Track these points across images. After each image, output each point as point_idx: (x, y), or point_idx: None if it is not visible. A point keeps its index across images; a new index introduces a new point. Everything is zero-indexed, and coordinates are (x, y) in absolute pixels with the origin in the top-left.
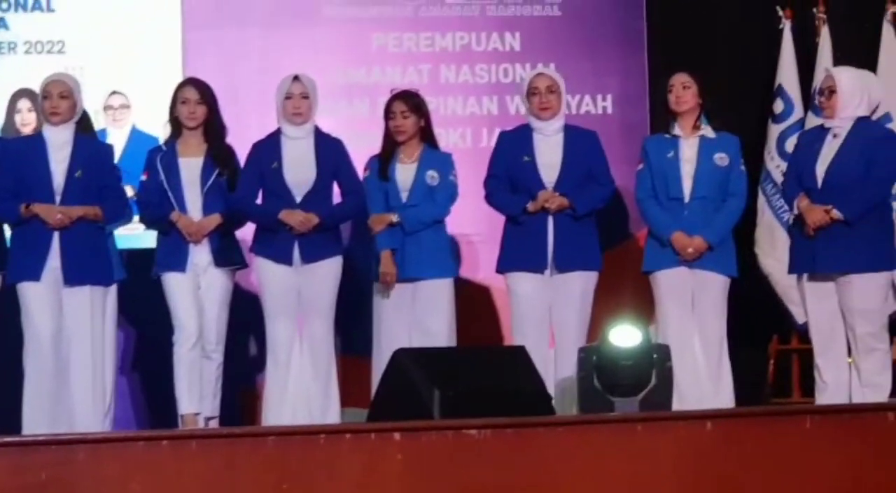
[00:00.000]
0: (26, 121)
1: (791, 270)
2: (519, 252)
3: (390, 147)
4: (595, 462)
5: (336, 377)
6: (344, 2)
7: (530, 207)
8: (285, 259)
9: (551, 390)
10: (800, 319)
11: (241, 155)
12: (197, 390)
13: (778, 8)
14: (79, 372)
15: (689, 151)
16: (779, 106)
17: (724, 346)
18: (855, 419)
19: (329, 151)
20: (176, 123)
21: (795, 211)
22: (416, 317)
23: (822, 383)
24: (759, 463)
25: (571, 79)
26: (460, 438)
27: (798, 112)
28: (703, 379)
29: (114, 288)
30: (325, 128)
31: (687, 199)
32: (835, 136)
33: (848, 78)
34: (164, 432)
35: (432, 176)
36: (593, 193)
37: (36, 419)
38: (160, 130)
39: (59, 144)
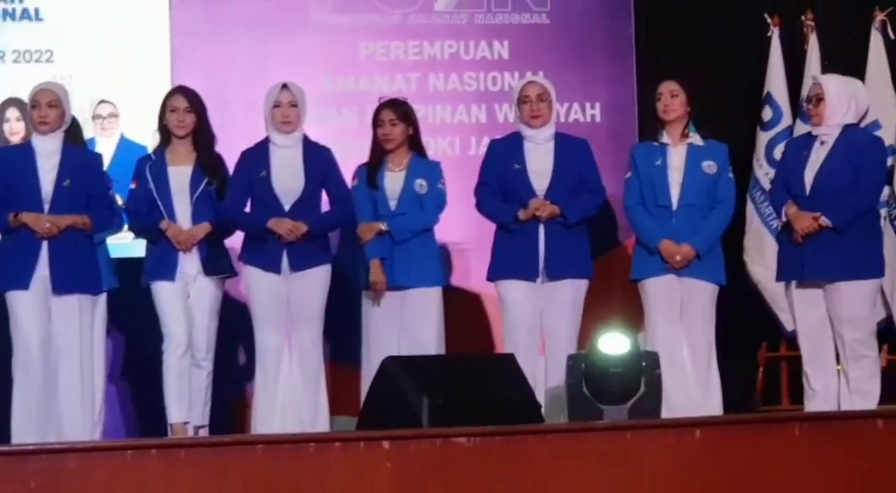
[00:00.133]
0: (15, 130)
1: (779, 277)
2: (510, 260)
3: (378, 155)
4: (584, 470)
5: (325, 386)
6: (332, 10)
7: (521, 215)
8: (274, 267)
9: (542, 397)
10: (788, 326)
11: (230, 163)
12: (186, 399)
13: (766, 16)
14: (67, 381)
15: (677, 159)
16: (767, 113)
17: (712, 353)
18: (844, 427)
19: (317, 159)
20: (165, 132)
21: (783, 218)
22: (405, 325)
23: (810, 390)
24: (748, 471)
25: (560, 87)
26: (449, 446)
27: (786, 119)
28: (692, 387)
29: (103, 297)
30: (314, 136)
31: (675, 207)
32: (822, 143)
33: (835, 86)
34: (152, 441)
35: (421, 184)
36: (584, 201)
37: (25, 428)
38: (149, 139)
39: (48, 154)
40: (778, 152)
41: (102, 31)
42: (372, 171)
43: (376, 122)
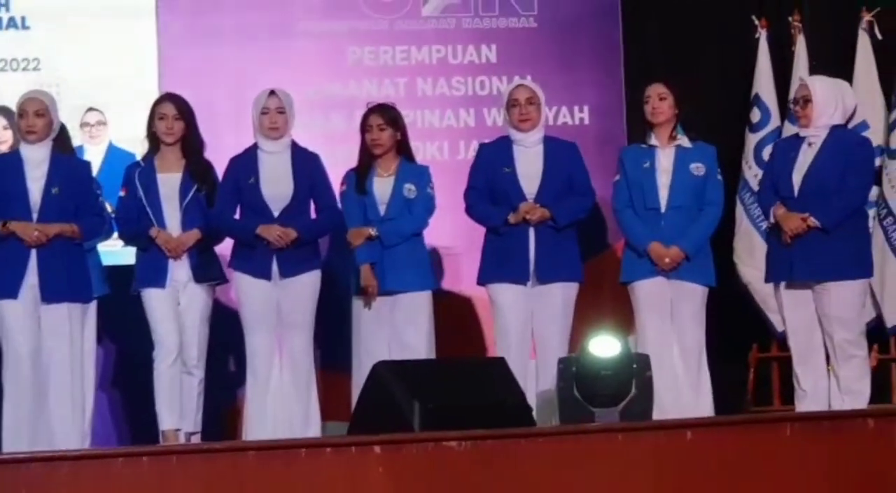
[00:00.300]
0: (2, 138)
1: (768, 278)
2: (500, 264)
3: (367, 161)
4: (576, 473)
5: (316, 391)
6: (320, 16)
7: (511, 218)
8: (264, 274)
9: (533, 401)
10: (779, 327)
11: (219, 170)
12: (177, 406)
13: (754, 17)
14: (58, 389)
15: (665, 162)
16: (755, 115)
17: (703, 355)
18: (834, 427)
19: (306, 165)
20: (154, 139)
21: (772, 219)
22: (395, 330)
23: (800, 390)
24: (740, 472)
25: (548, 90)
26: (441, 450)
27: (775, 121)
28: (683, 388)
29: (93, 305)
30: (302, 142)
31: (664, 209)
32: (810, 144)
33: (822, 87)
34: (143, 448)
35: (410, 189)
36: (574, 203)
37: (16, 437)
38: (137, 147)
39: (36, 162)
40: (766, 154)
41: (89, 38)
42: (360, 176)
43: (364, 127)
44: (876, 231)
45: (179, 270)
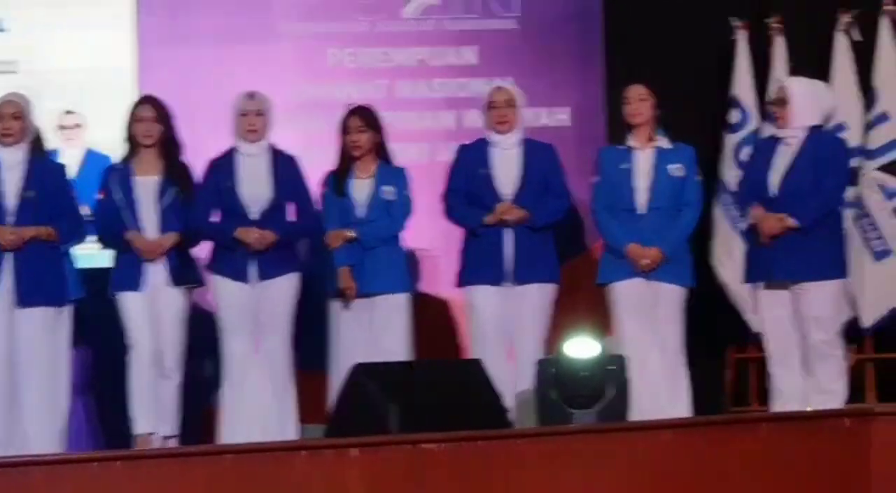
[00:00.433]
0: None
1: (746, 279)
2: (477, 265)
3: (346, 163)
4: (553, 474)
5: (293, 394)
6: (299, 18)
7: (488, 219)
8: (242, 277)
9: (511, 402)
10: (756, 328)
11: (197, 173)
12: (152, 410)
13: (732, 19)
14: (32, 393)
15: (644, 163)
16: (734, 116)
17: (681, 356)
18: (811, 426)
19: (284, 168)
20: (132, 142)
21: (750, 220)
22: (373, 332)
23: (777, 391)
24: (718, 472)
25: (528, 92)
26: (418, 452)
27: (753, 122)
28: (661, 389)
29: (68, 308)
30: (282, 144)
31: (642, 210)
32: (787, 145)
33: (799, 88)
34: (118, 452)
35: (388, 191)
36: (551, 205)
37: None
38: (115, 149)
39: (12, 165)
40: (745, 155)
41: (67, 40)
42: (339, 178)
43: (344, 129)
44: (852, 232)
45: (156, 273)
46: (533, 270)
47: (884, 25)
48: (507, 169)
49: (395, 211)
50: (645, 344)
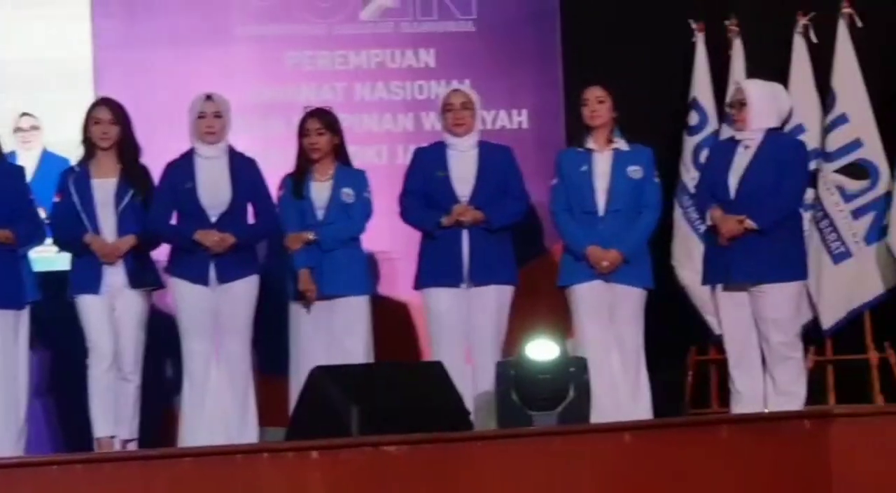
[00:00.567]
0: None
1: (705, 280)
2: (435, 267)
3: (304, 165)
4: (514, 476)
5: (253, 396)
6: (257, 20)
7: (445, 221)
8: (201, 279)
9: (470, 404)
10: (716, 330)
11: (155, 175)
12: (112, 413)
13: (690, 21)
14: None
15: (602, 165)
16: (693, 118)
17: (641, 358)
18: (771, 428)
19: (243, 170)
20: (89, 144)
21: (709, 221)
22: (333, 335)
23: (736, 392)
24: (678, 474)
25: (487, 94)
26: (379, 454)
27: (712, 124)
28: (621, 392)
29: (26, 311)
30: (240, 147)
31: (601, 212)
32: (746, 147)
33: (757, 90)
34: (78, 455)
35: (347, 193)
36: (508, 207)
37: None
38: (72, 152)
39: None
40: (704, 157)
41: (23, 43)
42: (298, 181)
43: (302, 131)
44: (812, 234)
45: (114, 275)
46: (490, 271)
47: (842, 27)
48: (463, 171)
49: (354, 213)
50: (605, 346)
